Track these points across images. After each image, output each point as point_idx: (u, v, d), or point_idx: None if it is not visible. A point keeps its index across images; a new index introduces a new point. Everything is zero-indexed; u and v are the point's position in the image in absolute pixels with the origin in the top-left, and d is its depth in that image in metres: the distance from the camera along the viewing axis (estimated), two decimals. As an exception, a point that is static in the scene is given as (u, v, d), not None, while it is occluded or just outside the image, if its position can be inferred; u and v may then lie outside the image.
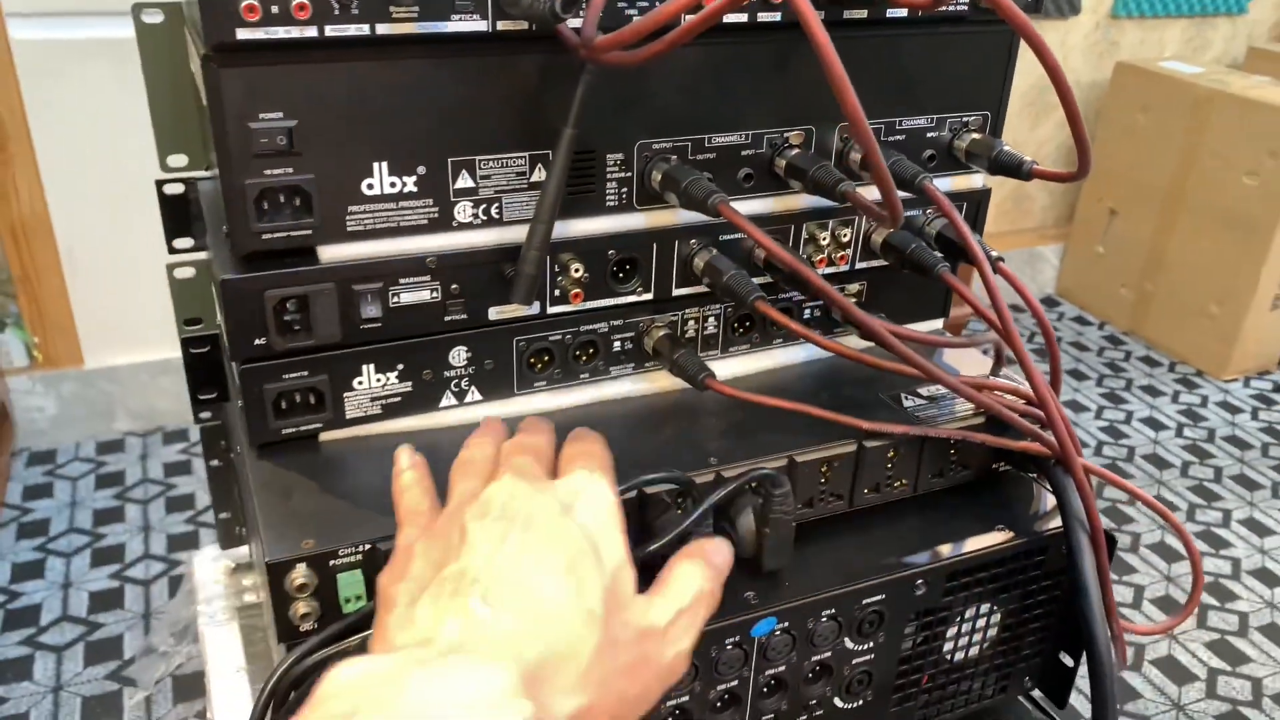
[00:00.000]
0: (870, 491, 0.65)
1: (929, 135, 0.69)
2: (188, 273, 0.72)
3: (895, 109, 0.67)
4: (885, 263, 0.71)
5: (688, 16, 0.48)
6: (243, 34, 0.49)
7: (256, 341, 0.57)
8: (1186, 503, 2.24)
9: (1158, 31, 2.97)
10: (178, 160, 0.69)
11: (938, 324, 0.78)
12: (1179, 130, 2.66)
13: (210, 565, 1.03)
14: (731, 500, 0.57)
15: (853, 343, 0.74)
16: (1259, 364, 2.72)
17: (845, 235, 0.69)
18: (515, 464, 0.47)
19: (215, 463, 0.93)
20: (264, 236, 0.55)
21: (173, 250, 0.72)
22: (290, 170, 0.54)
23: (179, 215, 0.71)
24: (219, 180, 0.54)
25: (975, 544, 0.65)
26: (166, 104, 0.67)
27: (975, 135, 0.69)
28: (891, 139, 0.68)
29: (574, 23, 0.52)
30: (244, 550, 1.01)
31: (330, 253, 0.57)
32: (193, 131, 0.68)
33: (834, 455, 0.63)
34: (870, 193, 0.66)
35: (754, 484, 0.56)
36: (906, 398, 0.68)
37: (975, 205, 0.73)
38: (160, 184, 0.70)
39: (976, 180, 0.73)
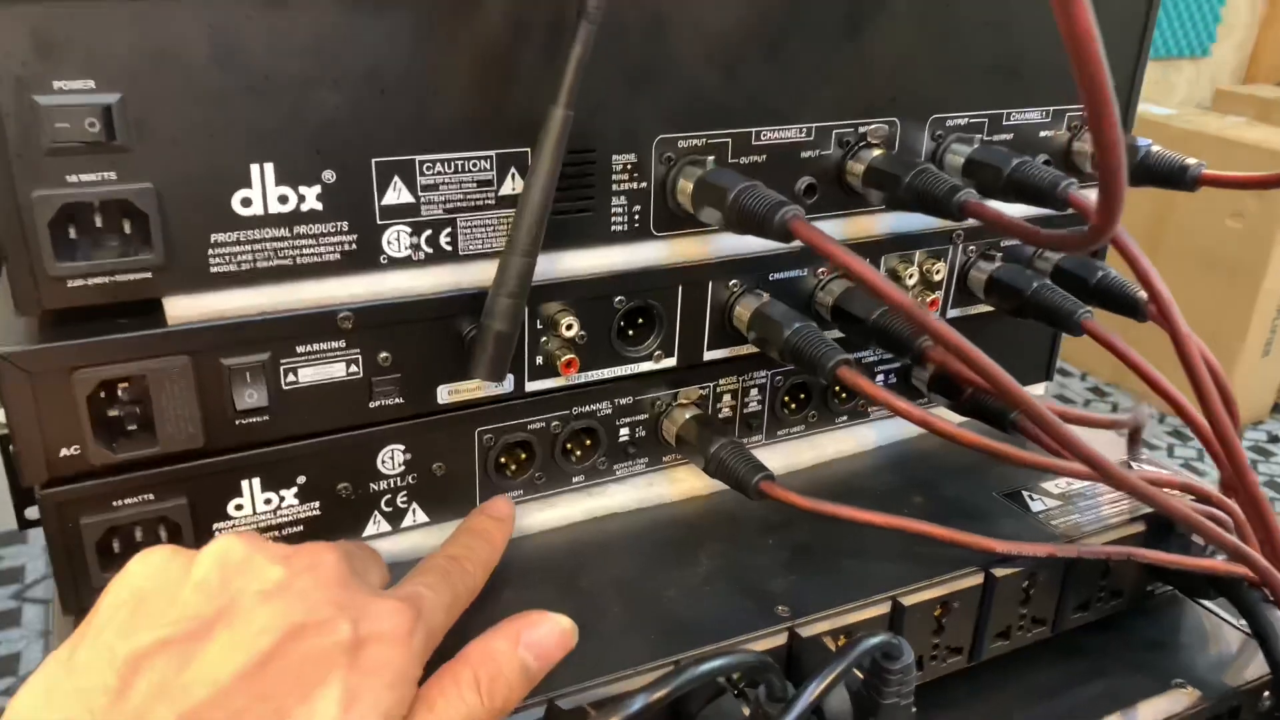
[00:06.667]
0: (999, 638, 0.45)
1: (1041, 134, 0.51)
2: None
3: (999, 98, 0.48)
4: (985, 308, 0.52)
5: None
6: (5, -67, 0.29)
7: (64, 452, 0.36)
8: (1197, 567, 2.07)
9: (1125, 73, 2.88)
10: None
11: (1040, 389, 0.59)
12: (1157, 172, 2.55)
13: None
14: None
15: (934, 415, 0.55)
16: (1252, 414, 2.59)
17: (937, 271, 0.50)
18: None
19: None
20: (71, 284, 0.34)
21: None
22: (112, 176, 0.33)
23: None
24: (-8, 192, 0.33)
25: (1150, 713, 0.45)
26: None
27: (1105, 133, 0.51)
28: (995, 138, 0.49)
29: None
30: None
31: (183, 307, 0.36)
32: None
33: (952, 592, 0.42)
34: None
35: (864, 662, 0.36)
36: (1032, 497, 0.49)
37: (1098, 230, 0.54)
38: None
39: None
